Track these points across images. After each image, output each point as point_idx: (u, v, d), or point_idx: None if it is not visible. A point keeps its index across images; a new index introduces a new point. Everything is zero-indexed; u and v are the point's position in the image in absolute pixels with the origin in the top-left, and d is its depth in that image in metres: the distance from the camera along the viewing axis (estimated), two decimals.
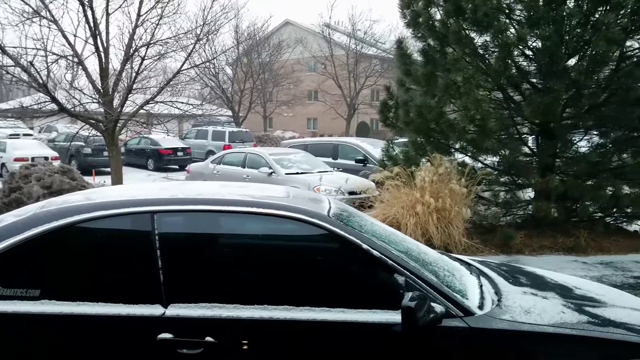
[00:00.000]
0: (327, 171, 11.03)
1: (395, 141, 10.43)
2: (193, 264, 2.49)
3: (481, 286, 2.81)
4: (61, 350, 2.31)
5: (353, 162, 12.74)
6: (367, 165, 12.28)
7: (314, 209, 2.66)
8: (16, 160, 15.96)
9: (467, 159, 8.99)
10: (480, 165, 8.96)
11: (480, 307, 2.52)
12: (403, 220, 7.82)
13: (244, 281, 2.50)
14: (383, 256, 2.48)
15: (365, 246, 2.49)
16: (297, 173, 10.58)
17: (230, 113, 31.51)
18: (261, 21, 41.81)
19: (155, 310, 2.34)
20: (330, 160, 13.02)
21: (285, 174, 10.51)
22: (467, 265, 3.24)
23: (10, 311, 2.27)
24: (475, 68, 8.15)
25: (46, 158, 16.53)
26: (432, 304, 2.36)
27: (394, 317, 2.33)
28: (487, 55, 8.59)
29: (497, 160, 8.97)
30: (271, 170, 10.67)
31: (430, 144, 8.84)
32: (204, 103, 11.54)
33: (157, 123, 10.68)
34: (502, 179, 8.91)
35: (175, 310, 2.35)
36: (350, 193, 9.62)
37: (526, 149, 8.97)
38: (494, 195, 8.86)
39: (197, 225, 2.57)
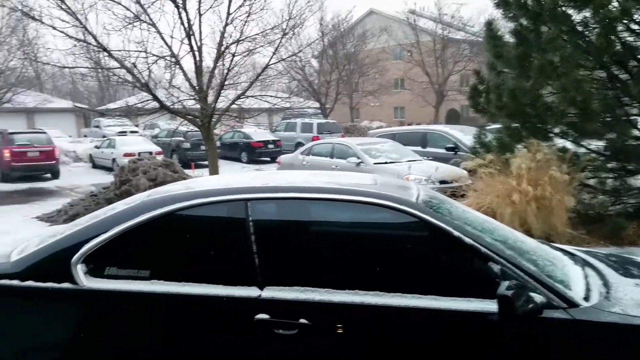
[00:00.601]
0: (416, 160, 10.85)
1: (488, 127, 10.03)
2: (286, 249, 2.57)
3: (587, 277, 2.65)
4: (168, 326, 2.48)
5: (443, 151, 12.43)
6: (458, 153, 11.93)
7: (402, 196, 2.64)
8: (125, 155, 17.19)
9: (568, 144, 8.45)
10: (583, 150, 8.38)
11: (586, 298, 2.38)
12: (499, 209, 7.51)
13: (336, 266, 2.54)
14: (475, 243, 2.42)
15: (456, 233, 2.44)
16: (386, 162, 10.50)
17: (317, 105, 31.92)
18: (345, 12, 41.48)
19: (252, 292, 2.45)
20: (419, 149, 12.79)
21: (374, 163, 10.48)
22: (571, 255, 3.07)
23: (125, 289, 2.48)
24: (573, 46, 7.61)
25: (150, 153, 17.66)
26: (531, 293, 2.27)
27: (490, 306, 2.27)
28: (587, 32, 7.99)
29: (603, 144, 8.34)
30: (359, 160, 10.68)
31: (525, 129, 8.39)
32: (291, 96, 11.78)
33: (248, 117, 11.06)
34: (609, 165, 8.27)
35: (271, 292, 2.44)
36: (442, 182, 9.40)
37: (636, 132, 8.27)
38: (600, 182, 8.24)
39: (289, 212, 2.65)
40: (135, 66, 9.33)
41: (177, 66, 10.45)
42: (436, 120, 32.96)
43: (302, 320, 2.37)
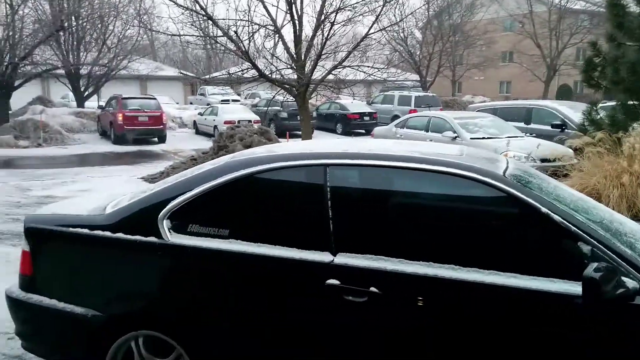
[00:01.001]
0: (517, 136, 10.27)
1: (602, 105, 9.22)
2: (361, 216, 2.55)
3: None
4: (243, 284, 2.58)
5: (549, 127, 11.63)
6: (566, 130, 11.11)
7: (488, 168, 2.50)
8: (225, 122, 17.93)
9: None
10: None
11: None
12: (605, 191, 6.94)
13: (410, 237, 2.48)
14: (565, 221, 2.24)
15: (544, 209, 2.28)
16: (483, 138, 10.05)
17: (417, 78, 31.12)
18: None
19: (325, 257, 2.46)
20: (522, 125, 12.07)
21: (470, 138, 10.06)
22: None
23: (205, 246, 2.59)
24: None
25: (249, 121, 18.24)
26: (623, 278, 2.08)
27: (576, 288, 2.12)
28: None
29: None
30: (455, 135, 10.31)
31: None
32: (388, 67, 11.55)
33: (343, 87, 11.02)
34: None
35: (343, 259, 2.44)
36: (543, 160, 8.83)
37: None
38: None
39: (367, 179, 2.61)
40: (237, 34, 9.59)
41: (277, 35, 10.59)
42: (545, 96, 30.91)
43: (373, 289, 2.35)
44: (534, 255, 2.32)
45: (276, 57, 10.45)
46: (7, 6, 18.96)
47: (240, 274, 2.58)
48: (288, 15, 10.24)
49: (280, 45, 10.66)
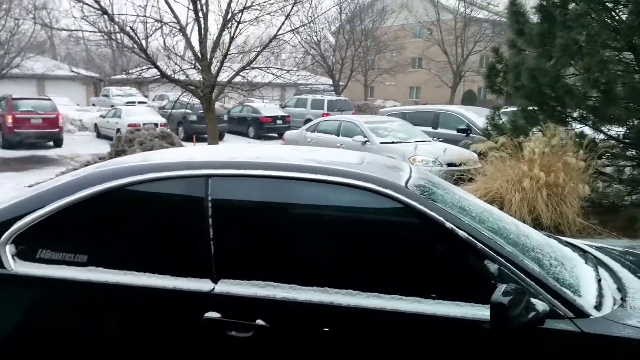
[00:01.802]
0: (424, 141, 10.40)
1: (504, 110, 9.53)
2: (247, 235, 2.20)
3: (599, 280, 2.26)
4: (104, 319, 2.14)
5: (455, 132, 11.94)
6: (471, 135, 11.43)
7: (389, 178, 2.25)
8: (129, 125, 16.84)
9: (587, 130, 7.96)
10: (602, 136, 7.88)
11: (598, 307, 2.00)
12: (507, 195, 7.10)
13: (304, 259, 2.17)
14: (471, 237, 2.03)
15: (448, 224, 2.06)
16: (393, 142, 10.07)
17: (330, 82, 31.31)
18: None
19: (204, 285, 2.09)
20: (430, 129, 12.31)
21: (380, 143, 10.05)
22: (582, 252, 2.67)
23: (56, 276, 2.13)
24: (601, 24, 7.07)
25: (156, 124, 17.33)
26: (532, 300, 1.89)
27: (483, 312, 1.90)
28: (617, 10, 7.42)
29: (624, 131, 7.83)
30: (365, 139, 10.26)
31: (543, 111, 7.90)
32: (298, 69, 11.30)
33: (250, 89, 10.63)
34: (628, 153, 7.78)
35: (226, 287, 2.09)
36: (449, 164, 8.97)
37: None
38: (617, 170, 7.78)
39: (255, 192, 2.26)
40: (133, 30, 8.92)
41: (181, 33, 10.00)
42: (452, 101, 32.24)
43: (259, 322, 2.01)
44: (438, 277, 2.08)
45: (179, 55, 9.84)
46: None
47: (100, 309, 2.14)
48: (192, 13, 9.68)
49: (183, 44, 10.06)
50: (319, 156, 2.51)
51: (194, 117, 18.79)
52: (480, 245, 2.03)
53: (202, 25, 9.92)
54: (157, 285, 2.09)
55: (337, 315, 2.01)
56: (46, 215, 2.20)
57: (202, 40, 9.85)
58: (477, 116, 11.98)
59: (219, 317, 2.03)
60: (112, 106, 22.66)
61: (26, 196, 2.34)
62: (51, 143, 17.14)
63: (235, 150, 2.70)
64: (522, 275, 1.97)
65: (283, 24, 10.31)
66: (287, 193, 2.25)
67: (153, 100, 28.69)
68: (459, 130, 11.88)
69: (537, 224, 6.38)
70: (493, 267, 2.00)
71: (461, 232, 2.05)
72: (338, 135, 11.04)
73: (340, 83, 31.91)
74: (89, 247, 2.20)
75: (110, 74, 12.95)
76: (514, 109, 8.97)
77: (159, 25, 9.81)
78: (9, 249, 2.17)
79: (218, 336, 2.03)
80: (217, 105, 20.29)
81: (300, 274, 2.09)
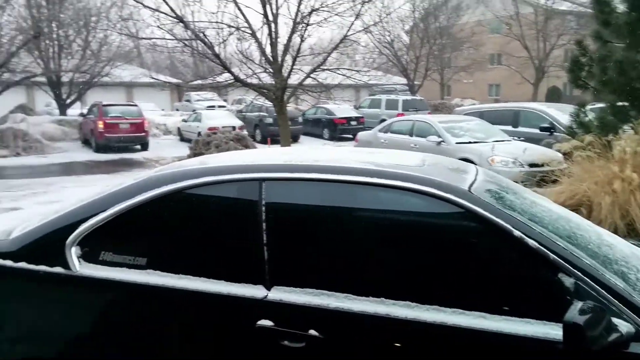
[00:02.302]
0: (504, 140, 9.91)
1: (590, 106, 8.88)
2: (301, 241, 2.13)
3: None
4: (160, 326, 2.16)
5: (537, 131, 11.28)
6: (554, 133, 10.76)
7: (451, 181, 2.10)
8: (209, 129, 17.43)
9: None
10: None
11: None
12: (596, 198, 6.57)
13: (359, 267, 2.07)
14: (542, 247, 1.85)
15: (516, 232, 1.88)
16: (469, 142, 9.68)
17: (405, 81, 30.81)
18: None
19: (258, 291, 2.05)
20: (509, 128, 11.74)
21: (456, 143, 9.70)
22: None
23: (117, 279, 2.17)
24: None
25: (233, 127, 17.84)
26: (615, 320, 1.68)
27: (556, 331, 1.72)
28: None
29: None
30: (440, 139, 9.94)
31: (634, 107, 7.28)
32: (369, 70, 11.15)
33: (320, 91, 10.62)
34: None
35: (279, 294, 2.03)
36: (531, 165, 8.47)
37: None
38: None
39: (310, 196, 2.18)
40: (205, 36, 9.17)
41: (253, 38, 10.18)
42: (534, 99, 30.67)
43: (312, 332, 1.94)
44: (506, 290, 1.91)
45: (250, 59, 10.02)
46: None
47: (157, 312, 2.16)
48: (263, 17, 9.81)
49: (255, 48, 10.22)
50: (378, 159, 2.40)
51: (269, 120, 19.13)
52: (554, 256, 1.84)
53: (273, 29, 10.04)
54: (210, 290, 2.07)
55: (393, 328, 1.90)
56: (108, 218, 2.25)
57: (273, 43, 9.96)
58: (561, 113, 11.28)
59: (272, 326, 1.98)
60: (193, 111, 23.58)
61: (91, 199, 2.40)
62: (138, 146, 18.11)
63: (292, 153, 2.65)
64: (602, 291, 1.76)
65: (352, 24, 10.23)
66: (343, 197, 2.15)
67: (232, 104, 29.60)
68: (541, 129, 11.22)
69: (631, 230, 5.86)
70: (568, 282, 1.81)
71: (531, 241, 1.87)
72: (411, 135, 10.79)
73: (416, 82, 31.30)
74: (147, 250, 2.22)
75: (191, 80, 13.45)
76: (602, 105, 8.35)
77: (232, 31, 10.02)
78: (75, 251, 2.24)
79: (270, 345, 1.97)
80: (291, 107, 20.60)
81: (356, 283, 2.00)
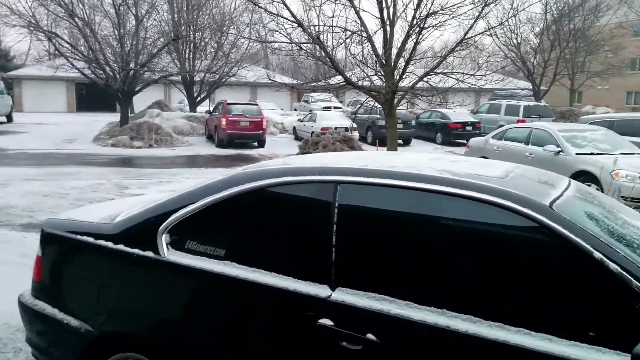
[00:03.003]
0: (633, 153, 9.02)
1: None
2: (369, 245, 2.15)
3: None
4: (232, 313, 2.29)
5: None
6: None
7: (532, 195, 1.99)
8: (322, 129, 17.92)
9: None
10: None
11: None
12: None
13: (424, 276, 2.04)
14: (624, 272, 1.70)
15: (597, 254, 1.75)
16: (592, 154, 8.94)
17: (530, 87, 29.10)
18: None
19: (322, 291, 2.11)
20: None
21: (576, 154, 9.01)
22: None
23: (198, 267, 2.34)
24: None
25: (346, 129, 18.14)
26: None
27: None
28: None
29: None
30: (559, 149, 9.29)
31: None
32: (486, 73, 10.71)
33: (432, 94, 10.40)
34: None
35: (342, 295, 2.07)
36: None
37: None
38: None
39: (381, 201, 2.19)
40: (320, 40, 9.41)
41: (368, 41, 10.26)
42: None
43: (370, 336, 1.95)
44: (577, 314, 1.78)
45: (363, 62, 10.10)
46: (133, 17, 20.48)
47: (230, 301, 2.30)
48: (379, 21, 9.85)
49: (367, 51, 10.28)
50: (459, 167, 2.34)
51: (381, 122, 19.13)
52: (637, 282, 1.68)
53: (388, 32, 10.04)
54: (278, 285, 2.16)
55: (451, 341, 1.85)
56: (196, 210, 2.44)
57: (387, 47, 9.96)
58: None
59: (332, 326, 2.02)
60: (310, 111, 24.31)
61: (184, 191, 2.62)
62: (255, 143, 19.07)
63: (370, 157, 2.67)
64: None
65: (471, 27, 9.90)
66: (415, 205, 2.14)
67: (347, 105, 30.01)
68: None
69: None
70: None
71: (612, 265, 1.73)
72: (527, 144, 10.20)
73: (542, 88, 29.45)
74: (227, 243, 2.37)
75: (306, 82, 13.90)
76: None
77: (349, 34, 10.18)
78: (165, 238, 2.45)
79: (329, 345, 2.02)
80: (404, 111, 20.42)
81: (419, 292, 1.98)
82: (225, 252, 2.35)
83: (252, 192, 2.38)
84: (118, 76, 19.51)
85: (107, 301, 2.56)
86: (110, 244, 2.55)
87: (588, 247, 1.78)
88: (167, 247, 2.44)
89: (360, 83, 9.99)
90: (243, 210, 2.41)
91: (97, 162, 14.83)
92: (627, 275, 1.70)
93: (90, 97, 35.74)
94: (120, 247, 2.52)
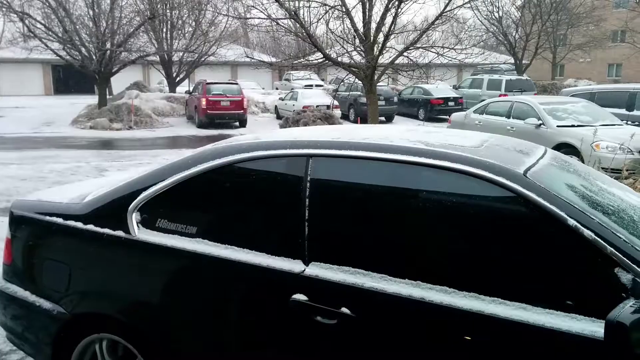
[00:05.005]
0: (613, 124, 9.09)
1: None
2: (341, 219, 2.10)
3: None
4: (204, 291, 2.24)
5: None
6: None
7: (506, 164, 1.95)
8: (304, 107, 17.75)
9: None
10: None
11: None
12: None
13: (398, 248, 2.00)
14: (598, 238, 1.68)
15: (571, 221, 1.73)
16: (572, 125, 8.99)
17: (512, 61, 29.11)
18: None
19: (296, 266, 2.06)
20: (623, 111, 10.75)
21: (557, 126, 9.05)
22: None
23: (168, 245, 2.28)
24: None
25: (327, 106, 18.00)
26: None
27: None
28: None
29: None
30: (540, 122, 9.33)
31: None
32: (467, 47, 10.62)
33: (412, 69, 10.31)
34: None
35: (316, 270, 2.03)
36: None
37: None
38: None
39: (354, 174, 2.14)
40: (297, 15, 9.24)
41: (347, 16, 10.11)
42: None
43: (344, 310, 1.92)
44: (553, 282, 1.76)
45: (343, 38, 9.95)
46: None
47: (203, 279, 2.25)
48: None
49: (346, 26, 10.13)
50: (432, 138, 2.30)
51: (364, 100, 19.01)
52: (611, 249, 1.66)
53: (367, 6, 9.88)
54: (251, 262, 2.12)
55: (426, 312, 1.83)
56: (165, 187, 2.37)
57: (367, 21, 9.82)
58: None
59: (306, 300, 1.98)
60: (291, 89, 24.08)
61: (153, 169, 2.54)
62: (237, 123, 18.88)
63: (343, 130, 2.61)
64: None
65: (450, 0, 9.78)
66: (388, 176, 2.09)
67: (329, 83, 29.77)
68: None
69: None
70: (625, 278, 1.63)
71: (587, 232, 1.70)
72: (509, 117, 10.23)
73: (524, 62, 29.46)
74: (198, 220, 2.31)
75: (285, 59, 13.64)
76: None
77: (327, 9, 10.01)
78: (135, 217, 2.39)
79: (303, 319, 1.99)
80: (386, 87, 20.31)
81: (393, 264, 1.95)
82: (196, 229, 2.29)
83: (222, 168, 2.31)
84: (94, 57, 19.06)
85: (79, 282, 2.49)
86: (79, 224, 2.48)
87: (562, 214, 1.75)
88: (138, 226, 2.38)
89: (340, 59, 9.86)
90: (213, 187, 2.34)
91: (76, 144, 14.58)
92: (602, 242, 1.68)
93: (67, 79, 35.06)
94: (90, 227, 2.45)
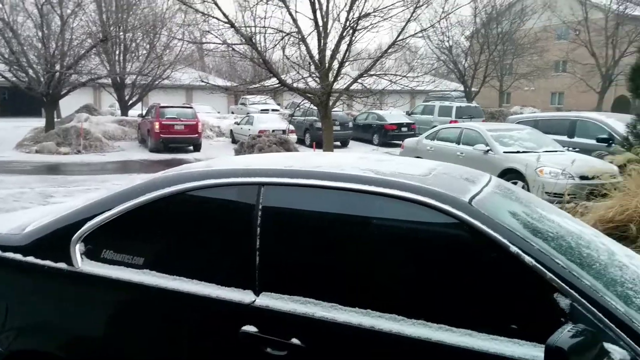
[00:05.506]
0: (556, 151, 9.50)
1: None
2: (292, 248, 2.10)
3: None
4: (151, 325, 2.18)
5: (594, 142, 10.74)
6: (613, 145, 10.21)
7: (452, 192, 2.01)
8: (260, 132, 17.74)
9: None
10: None
11: None
12: None
13: (349, 277, 2.01)
14: (538, 265, 1.74)
15: (513, 248, 1.78)
16: (518, 152, 9.34)
17: (462, 88, 30.13)
18: None
19: (246, 296, 2.04)
20: (564, 138, 11.24)
21: (504, 152, 9.38)
22: None
23: (114, 277, 2.22)
24: None
25: (283, 131, 18.06)
26: (609, 346, 1.56)
27: None
28: None
29: None
30: (487, 148, 9.64)
31: None
32: (418, 75, 10.96)
33: (367, 96, 10.52)
34: None
35: (267, 300, 2.01)
36: (582, 177, 8.07)
37: None
38: None
39: (306, 202, 2.15)
40: (251, 40, 9.30)
41: (302, 43, 10.25)
42: (599, 108, 29.26)
43: (294, 340, 1.91)
44: (497, 309, 1.81)
45: (298, 64, 10.08)
46: (58, 17, 19.49)
47: (150, 311, 2.19)
48: (312, 22, 9.85)
49: (303, 53, 10.26)
50: (383, 167, 2.34)
51: (319, 124, 19.17)
52: (550, 275, 1.73)
53: (322, 34, 10.06)
54: (200, 293, 2.08)
55: (376, 341, 1.83)
56: (112, 217, 2.31)
57: (322, 48, 9.99)
58: (621, 124, 10.67)
59: (256, 332, 1.96)
60: (247, 114, 24.04)
61: (99, 197, 2.48)
62: (191, 147, 18.63)
63: (296, 158, 2.63)
64: (599, 314, 1.64)
65: (403, 29, 10.09)
66: (339, 205, 2.11)
67: (285, 108, 29.93)
68: (599, 140, 10.66)
69: None
70: (564, 302, 1.69)
71: (527, 258, 1.76)
72: (459, 143, 10.53)
73: (473, 89, 30.55)
74: (145, 250, 2.26)
75: (240, 84, 13.62)
76: None
77: (282, 35, 10.12)
78: (79, 248, 2.31)
79: (253, 351, 1.96)
80: (342, 113, 20.59)
81: (344, 293, 1.95)
82: (144, 260, 2.23)
83: (172, 197, 2.28)
84: (42, 79, 18.50)
85: (16, 318, 2.37)
86: (19, 256, 2.37)
87: (505, 241, 1.81)
88: (82, 258, 2.30)
89: (295, 85, 9.95)
90: (163, 216, 2.30)
91: (20, 169, 14.02)
92: (541, 268, 1.74)
93: (13, 101, 33.77)
94: (30, 259, 2.35)
